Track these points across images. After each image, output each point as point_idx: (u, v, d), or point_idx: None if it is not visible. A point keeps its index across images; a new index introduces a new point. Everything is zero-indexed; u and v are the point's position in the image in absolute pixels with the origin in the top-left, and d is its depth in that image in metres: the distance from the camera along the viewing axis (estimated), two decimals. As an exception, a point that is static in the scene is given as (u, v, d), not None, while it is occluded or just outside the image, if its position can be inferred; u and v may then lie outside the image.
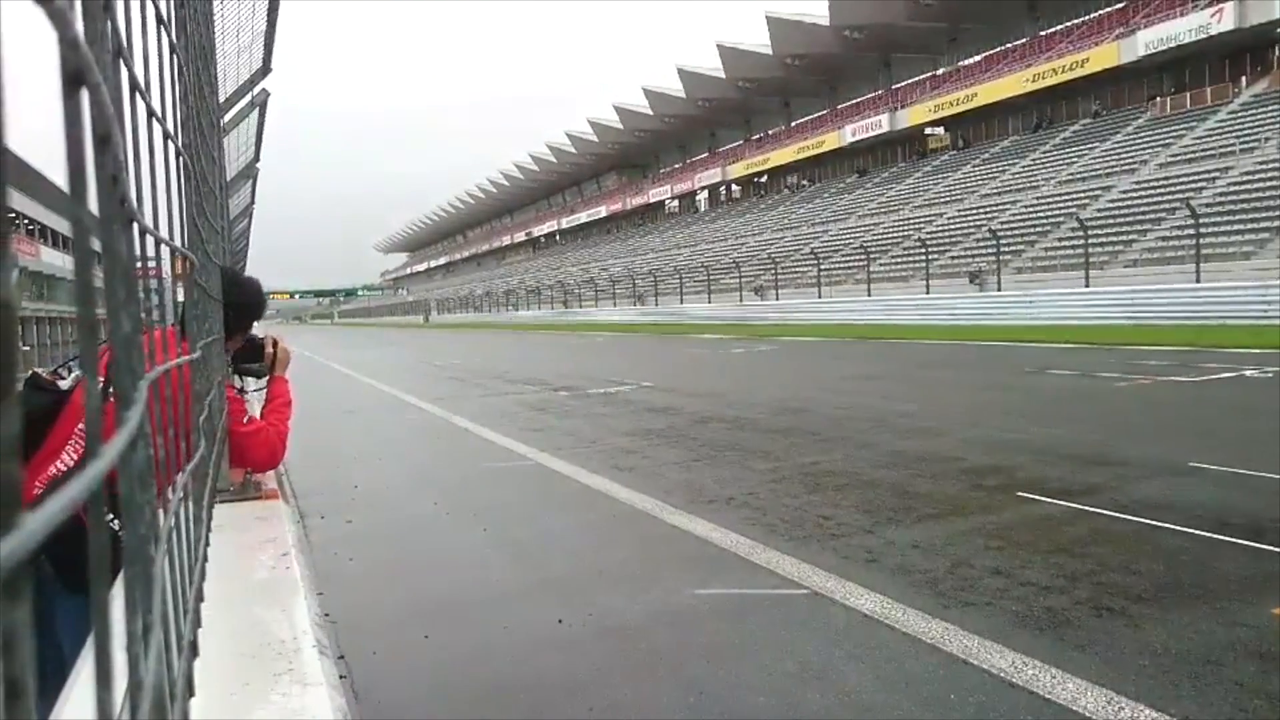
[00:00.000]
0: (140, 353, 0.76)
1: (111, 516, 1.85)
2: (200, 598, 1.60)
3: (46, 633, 2.48)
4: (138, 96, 0.92)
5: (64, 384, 2.59)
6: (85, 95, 0.41)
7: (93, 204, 0.53)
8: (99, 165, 0.53)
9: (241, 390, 3.29)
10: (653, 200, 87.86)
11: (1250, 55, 40.52)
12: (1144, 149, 40.25)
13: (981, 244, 38.08)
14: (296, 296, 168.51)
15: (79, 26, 0.39)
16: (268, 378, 3.34)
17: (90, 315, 0.43)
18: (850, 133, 61.83)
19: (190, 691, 1.22)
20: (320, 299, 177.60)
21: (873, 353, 21.40)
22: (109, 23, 0.67)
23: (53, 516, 0.30)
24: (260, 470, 3.25)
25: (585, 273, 78.98)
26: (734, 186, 78.58)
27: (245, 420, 3.08)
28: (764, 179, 74.36)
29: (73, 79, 0.39)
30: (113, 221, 0.57)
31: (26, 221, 42.41)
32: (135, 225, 0.89)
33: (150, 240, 1.05)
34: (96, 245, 0.61)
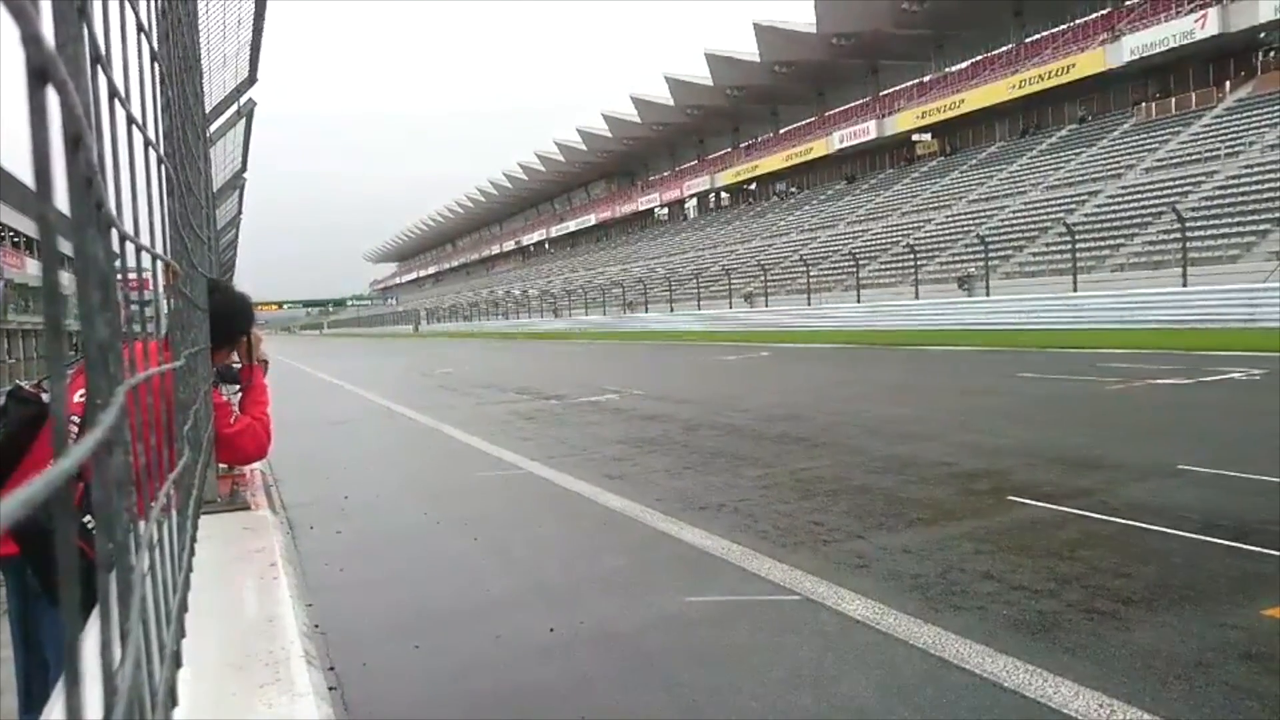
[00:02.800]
0: (118, 358, 0.75)
1: (90, 521, 1.84)
2: (184, 607, 1.59)
3: (34, 647, 2.47)
4: (117, 103, 0.92)
5: (47, 396, 2.58)
6: (53, 94, 0.41)
7: (65, 206, 0.53)
8: (71, 167, 0.53)
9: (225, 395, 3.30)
10: (642, 208, 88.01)
11: (1234, 60, 40.83)
12: (1130, 154, 40.49)
13: (970, 249, 38.21)
14: (285, 307, 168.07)
15: (42, 22, 0.39)
16: (242, 366, 3.32)
17: (57, 317, 0.43)
18: (838, 139, 62.04)
19: (173, 701, 1.21)
20: (309, 309, 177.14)
21: (862, 358, 21.44)
22: (85, 28, 0.67)
23: (10, 514, 0.30)
24: (250, 462, 3.28)
25: (574, 281, 79.00)
26: (723, 194, 78.75)
27: (232, 420, 3.09)
28: (753, 186, 74.55)
29: (38, 76, 0.38)
30: (87, 225, 0.57)
31: (12, 234, 42.24)
32: (115, 232, 0.88)
33: (131, 248, 1.05)
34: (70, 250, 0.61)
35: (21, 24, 0.36)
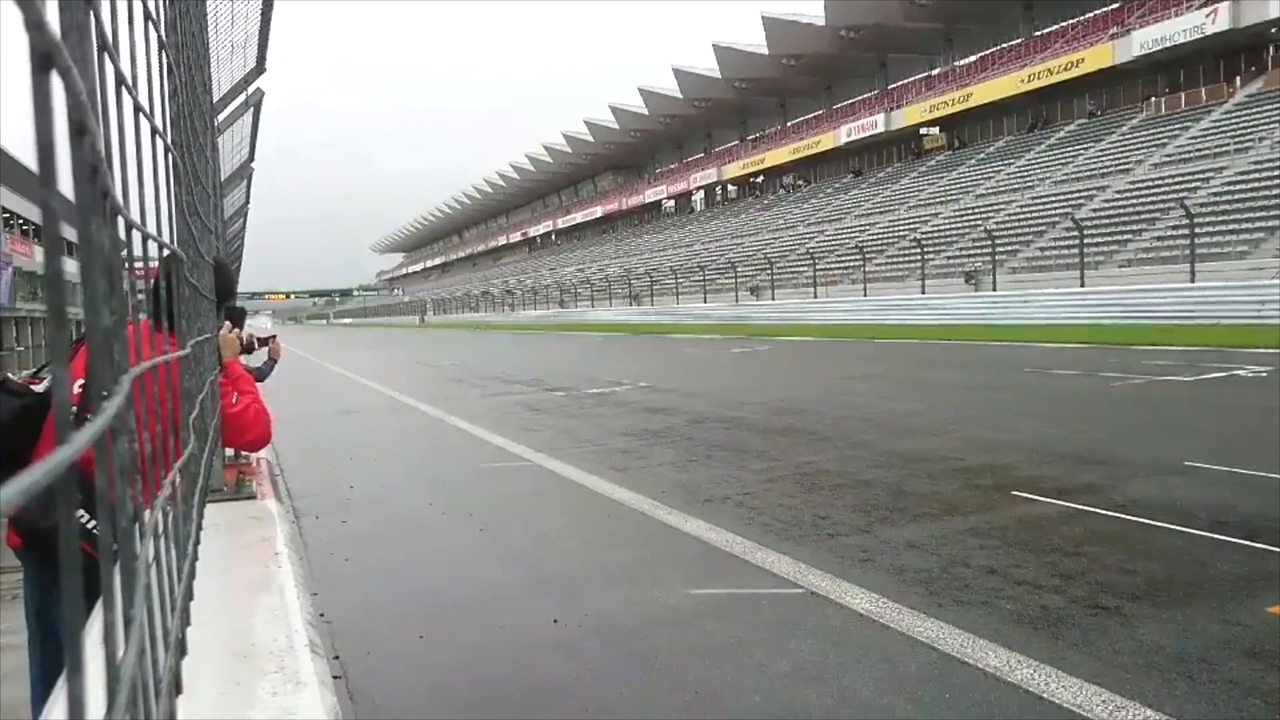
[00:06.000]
0: (124, 346, 0.75)
1: (87, 518, 1.85)
2: (190, 596, 1.60)
3: (51, 635, 2.49)
4: (124, 91, 0.92)
5: (38, 388, 2.57)
6: (57, 81, 0.41)
7: (70, 194, 0.53)
8: (76, 155, 0.53)
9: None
10: (649, 200, 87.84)
11: (1245, 55, 40.57)
12: (1139, 149, 40.30)
13: (977, 244, 38.10)
14: (292, 297, 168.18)
15: (46, 9, 0.39)
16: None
17: (59, 304, 0.43)
18: (846, 133, 61.86)
19: (178, 689, 1.21)
20: (316, 299, 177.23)
21: (868, 353, 21.40)
22: (91, 15, 0.67)
23: (10, 500, 0.30)
24: (258, 447, 3.30)
25: (581, 273, 78.98)
26: (730, 187, 78.54)
27: (234, 400, 3.10)
28: (760, 179, 74.35)
29: (42, 62, 0.38)
30: (92, 212, 0.57)
31: (21, 221, 42.33)
32: (121, 220, 0.88)
33: (137, 236, 1.05)
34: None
35: (25, 10, 0.36)
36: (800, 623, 4.15)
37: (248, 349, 3.67)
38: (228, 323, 3.39)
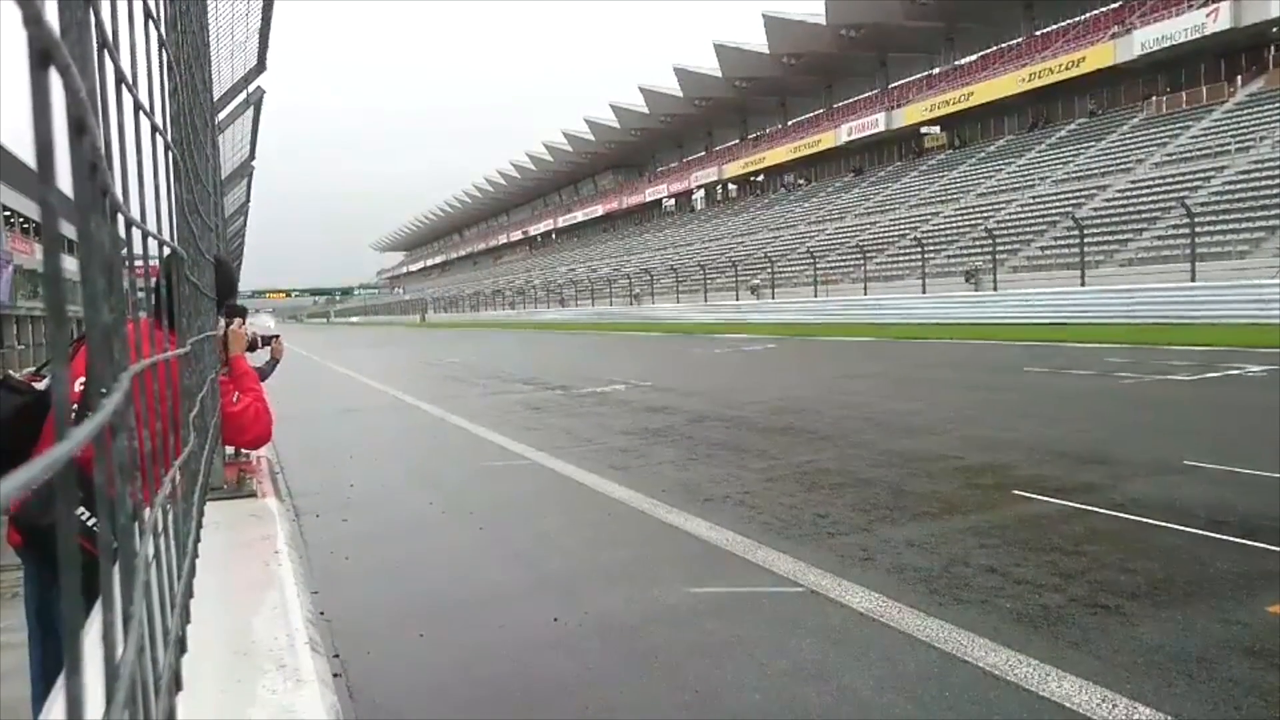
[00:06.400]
0: (124, 344, 0.75)
1: (86, 515, 1.85)
2: (190, 594, 1.60)
3: (51, 634, 2.49)
4: (124, 89, 0.92)
5: (40, 385, 2.58)
6: (56, 78, 0.41)
7: (69, 192, 0.53)
8: (75, 152, 0.53)
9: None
10: (649, 199, 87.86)
11: (1246, 54, 40.57)
12: (1140, 148, 40.30)
13: (977, 243, 38.09)
14: (292, 295, 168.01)
15: (45, 6, 0.39)
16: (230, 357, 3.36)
17: (59, 302, 0.43)
18: (846, 132, 61.86)
19: (177, 686, 1.21)
20: (316, 298, 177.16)
21: (868, 351, 21.41)
22: (91, 12, 0.67)
23: (8, 494, 0.30)
24: (258, 445, 3.30)
25: (581, 272, 78.95)
26: (730, 186, 78.53)
27: (235, 400, 3.11)
28: (760, 178, 74.36)
29: (41, 59, 0.38)
30: (91, 210, 0.57)
31: (21, 220, 42.33)
32: (121, 217, 0.89)
33: (137, 234, 1.05)
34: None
35: (24, 7, 0.36)
36: (800, 621, 4.15)
37: (251, 346, 3.68)
38: (238, 319, 3.37)
